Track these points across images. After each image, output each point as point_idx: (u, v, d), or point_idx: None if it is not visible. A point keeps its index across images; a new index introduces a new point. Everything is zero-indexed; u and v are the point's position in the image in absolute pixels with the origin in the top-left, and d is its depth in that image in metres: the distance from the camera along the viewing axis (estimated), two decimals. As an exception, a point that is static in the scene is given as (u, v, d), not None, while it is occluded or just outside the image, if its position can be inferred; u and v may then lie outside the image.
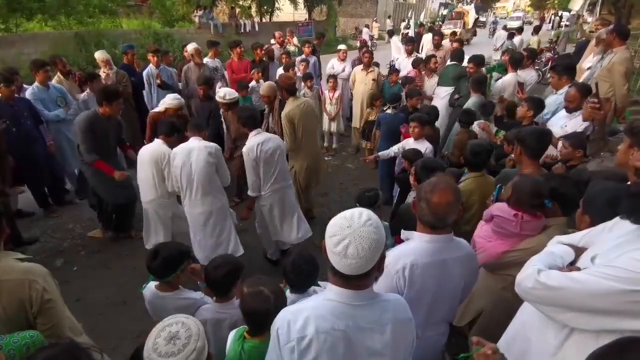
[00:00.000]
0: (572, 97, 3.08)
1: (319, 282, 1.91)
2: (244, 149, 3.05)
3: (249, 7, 18.34)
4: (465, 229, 2.47)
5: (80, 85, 4.89)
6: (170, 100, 4.01)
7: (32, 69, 4.26)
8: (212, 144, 3.03)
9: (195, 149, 2.93)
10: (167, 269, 1.85)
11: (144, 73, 5.51)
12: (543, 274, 1.22)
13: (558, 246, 1.41)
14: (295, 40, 8.14)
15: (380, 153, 3.96)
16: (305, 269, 1.80)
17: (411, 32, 11.96)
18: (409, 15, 18.32)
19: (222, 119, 4.67)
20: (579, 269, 1.23)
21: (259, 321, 1.50)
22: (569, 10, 21.83)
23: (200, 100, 4.72)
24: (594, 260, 1.21)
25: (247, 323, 1.56)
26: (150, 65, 5.49)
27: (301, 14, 22.67)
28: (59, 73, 4.79)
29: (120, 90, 3.91)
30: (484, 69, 5.17)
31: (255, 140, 3.03)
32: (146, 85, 5.52)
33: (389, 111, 4.65)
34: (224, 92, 4.25)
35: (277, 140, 3.17)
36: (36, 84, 4.29)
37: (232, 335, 1.60)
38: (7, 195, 3.55)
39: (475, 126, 3.85)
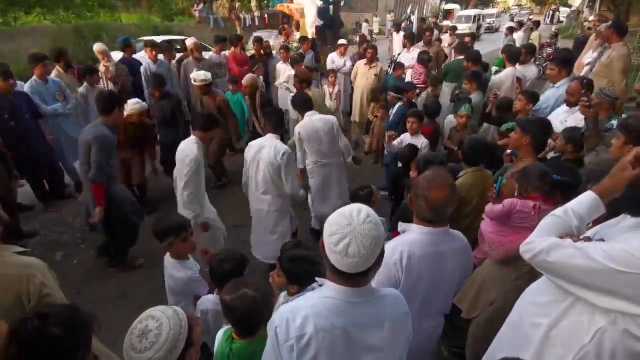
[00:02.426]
0: (574, 91, 3.06)
1: (317, 279, 1.89)
2: (297, 126, 3.33)
3: (249, 1, 18.21)
4: (465, 223, 2.49)
5: (79, 78, 4.86)
6: (131, 105, 3.81)
7: (31, 63, 4.21)
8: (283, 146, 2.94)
9: (267, 146, 2.92)
10: (163, 234, 2.09)
11: (142, 68, 5.46)
12: (544, 249, 1.20)
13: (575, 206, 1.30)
14: (296, 35, 8.11)
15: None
16: (303, 258, 1.74)
17: (413, 27, 11.92)
18: (409, 10, 18.18)
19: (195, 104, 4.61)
20: (589, 240, 1.23)
21: (249, 324, 1.48)
22: (569, 6, 21.72)
23: (158, 100, 4.46)
24: (602, 240, 1.22)
25: (237, 328, 1.51)
26: (147, 59, 5.44)
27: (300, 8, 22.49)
28: (57, 67, 4.71)
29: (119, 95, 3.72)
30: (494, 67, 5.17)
31: (309, 119, 3.29)
32: (144, 81, 5.45)
33: (400, 103, 4.64)
34: (197, 74, 4.26)
35: (329, 119, 3.36)
36: (34, 77, 4.25)
37: (219, 335, 1.58)
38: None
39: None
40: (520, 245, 1.30)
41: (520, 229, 1.97)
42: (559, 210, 1.29)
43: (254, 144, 3.03)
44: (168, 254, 2.22)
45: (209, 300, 1.92)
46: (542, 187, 1.94)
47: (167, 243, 2.11)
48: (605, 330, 1.13)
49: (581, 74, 4.35)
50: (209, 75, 4.36)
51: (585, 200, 1.26)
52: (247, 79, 4.86)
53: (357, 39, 10.15)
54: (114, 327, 2.85)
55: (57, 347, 1.01)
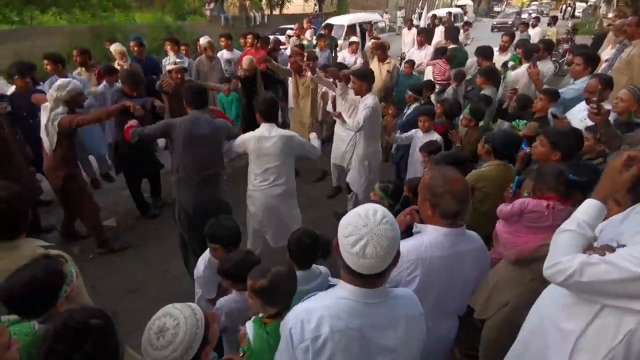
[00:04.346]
0: (594, 88, 2.97)
1: (331, 279, 1.92)
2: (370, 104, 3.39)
3: (260, 0, 18.29)
4: (480, 209, 2.53)
5: (100, 77, 4.96)
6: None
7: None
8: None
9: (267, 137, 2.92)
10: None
11: (163, 61, 5.59)
12: (575, 267, 1.16)
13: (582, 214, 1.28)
14: (308, 33, 8.10)
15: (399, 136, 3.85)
16: (307, 243, 1.84)
17: (422, 24, 11.82)
18: (420, 6, 18.01)
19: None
20: (612, 249, 1.19)
21: (290, 297, 1.55)
22: (586, 1, 21.22)
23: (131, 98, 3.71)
24: (624, 245, 1.18)
25: (279, 306, 1.54)
26: (170, 54, 5.54)
27: (311, 6, 22.52)
28: (79, 66, 4.84)
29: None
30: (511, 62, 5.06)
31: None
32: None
33: (417, 104, 4.51)
34: (170, 60, 4.32)
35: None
36: (55, 76, 4.36)
37: (250, 325, 1.60)
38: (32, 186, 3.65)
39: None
40: (545, 269, 1.26)
41: (535, 229, 1.94)
42: (571, 225, 1.26)
43: (249, 138, 2.86)
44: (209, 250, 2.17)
45: (229, 300, 1.92)
46: (557, 187, 1.89)
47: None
48: (635, 331, 1.11)
49: (599, 71, 4.24)
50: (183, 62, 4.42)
51: (591, 208, 1.25)
52: (245, 60, 4.91)
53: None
54: (128, 320, 2.92)
55: (102, 338, 1.09)
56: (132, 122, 2.81)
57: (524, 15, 23.05)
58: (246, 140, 2.87)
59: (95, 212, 3.61)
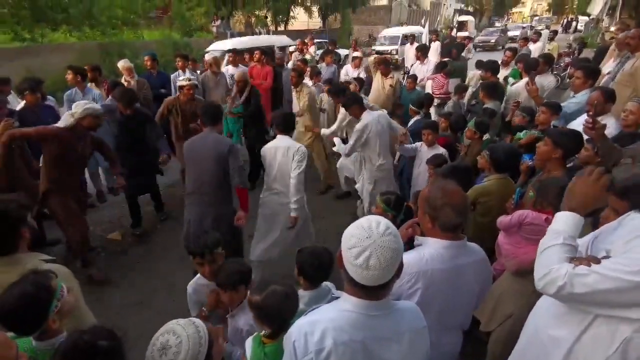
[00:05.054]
0: (596, 100, 2.98)
1: (334, 292, 1.90)
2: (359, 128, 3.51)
3: (265, 17, 18.69)
4: (482, 221, 2.54)
5: (108, 92, 5.09)
6: None
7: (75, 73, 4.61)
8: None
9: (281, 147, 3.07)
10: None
11: (172, 77, 5.76)
12: (567, 285, 1.16)
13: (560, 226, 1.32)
14: (312, 49, 8.25)
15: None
16: (321, 261, 1.79)
17: (424, 39, 12.01)
18: (422, 22, 18.32)
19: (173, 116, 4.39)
20: (597, 260, 1.19)
21: (284, 318, 1.51)
22: (588, 15, 21.41)
23: (126, 116, 3.90)
24: (609, 253, 1.19)
25: (272, 326, 1.53)
26: (179, 70, 5.74)
27: (315, 22, 22.96)
28: (90, 82, 4.97)
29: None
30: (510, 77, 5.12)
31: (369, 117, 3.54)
32: (173, 90, 5.70)
33: (418, 117, 4.62)
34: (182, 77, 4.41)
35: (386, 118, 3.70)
36: (75, 88, 4.62)
37: (249, 344, 1.59)
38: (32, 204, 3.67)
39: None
40: (536, 281, 1.26)
41: (534, 241, 1.92)
42: (556, 239, 1.26)
43: (268, 148, 3.10)
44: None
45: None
46: (557, 204, 1.89)
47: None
48: (630, 340, 1.10)
49: (600, 83, 4.25)
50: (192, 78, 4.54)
51: (570, 220, 1.27)
52: (238, 73, 5.21)
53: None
54: (131, 334, 2.91)
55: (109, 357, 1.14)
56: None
57: (515, 32, 22.45)
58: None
59: (80, 230, 3.38)
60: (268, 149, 3.12)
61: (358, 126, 3.57)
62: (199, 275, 2.06)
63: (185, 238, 2.92)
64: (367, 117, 3.61)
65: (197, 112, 3.88)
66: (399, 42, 16.01)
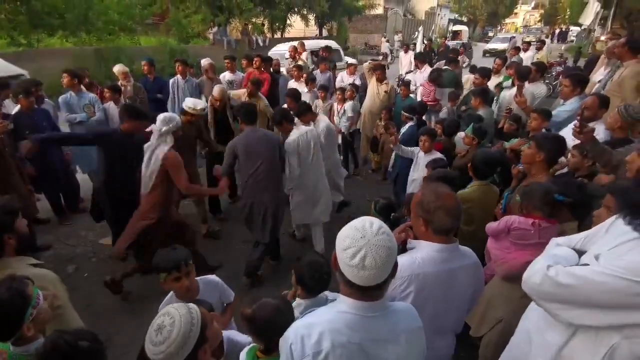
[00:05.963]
0: (590, 106, 3.04)
1: (329, 293, 1.88)
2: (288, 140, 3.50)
3: (262, 24, 18.81)
4: (467, 230, 2.53)
5: (102, 97, 5.08)
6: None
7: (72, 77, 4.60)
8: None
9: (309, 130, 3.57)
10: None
11: (170, 82, 5.75)
12: (552, 270, 1.21)
13: (560, 249, 1.39)
14: (304, 54, 8.30)
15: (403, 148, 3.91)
16: (322, 273, 1.75)
17: (418, 48, 12.15)
18: (418, 31, 18.59)
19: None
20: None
21: (276, 332, 1.41)
22: (580, 25, 21.79)
23: (127, 137, 3.31)
24: (598, 259, 1.20)
25: (263, 340, 1.49)
26: (178, 75, 5.71)
27: (312, 30, 23.14)
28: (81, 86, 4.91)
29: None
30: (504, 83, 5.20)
31: (297, 133, 3.51)
32: (171, 94, 5.72)
33: (411, 123, 4.68)
34: (192, 102, 3.77)
35: (314, 132, 3.67)
36: (71, 92, 4.61)
37: (244, 355, 1.56)
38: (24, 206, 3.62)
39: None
40: (523, 279, 1.29)
41: (522, 246, 1.98)
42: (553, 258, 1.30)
43: (294, 138, 3.42)
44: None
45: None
46: (542, 207, 1.95)
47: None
48: (618, 345, 1.11)
49: (591, 91, 4.32)
50: (203, 104, 3.91)
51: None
52: (216, 89, 4.44)
53: (381, 58, 10.50)
54: (123, 340, 2.87)
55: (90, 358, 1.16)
56: (217, 167, 3.47)
57: (502, 44, 23.40)
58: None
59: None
60: (293, 139, 3.42)
61: (288, 141, 3.47)
62: (171, 294, 1.94)
63: (246, 220, 3.45)
64: (295, 132, 3.52)
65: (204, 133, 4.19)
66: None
